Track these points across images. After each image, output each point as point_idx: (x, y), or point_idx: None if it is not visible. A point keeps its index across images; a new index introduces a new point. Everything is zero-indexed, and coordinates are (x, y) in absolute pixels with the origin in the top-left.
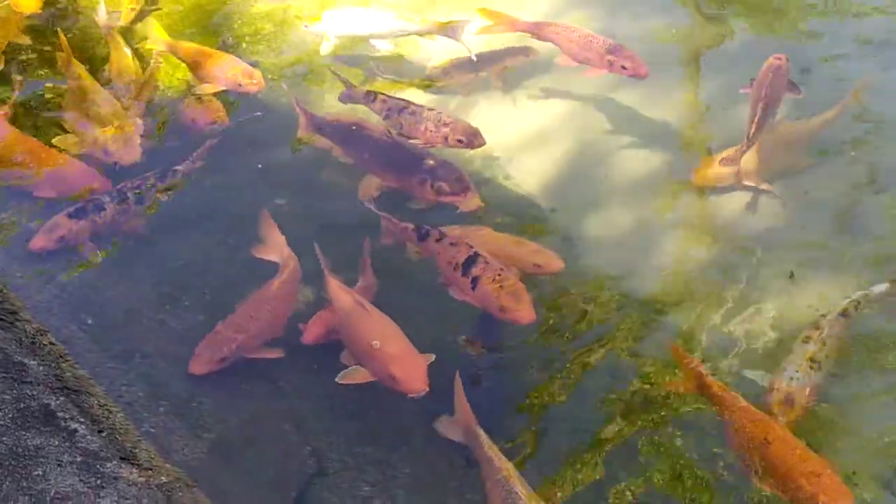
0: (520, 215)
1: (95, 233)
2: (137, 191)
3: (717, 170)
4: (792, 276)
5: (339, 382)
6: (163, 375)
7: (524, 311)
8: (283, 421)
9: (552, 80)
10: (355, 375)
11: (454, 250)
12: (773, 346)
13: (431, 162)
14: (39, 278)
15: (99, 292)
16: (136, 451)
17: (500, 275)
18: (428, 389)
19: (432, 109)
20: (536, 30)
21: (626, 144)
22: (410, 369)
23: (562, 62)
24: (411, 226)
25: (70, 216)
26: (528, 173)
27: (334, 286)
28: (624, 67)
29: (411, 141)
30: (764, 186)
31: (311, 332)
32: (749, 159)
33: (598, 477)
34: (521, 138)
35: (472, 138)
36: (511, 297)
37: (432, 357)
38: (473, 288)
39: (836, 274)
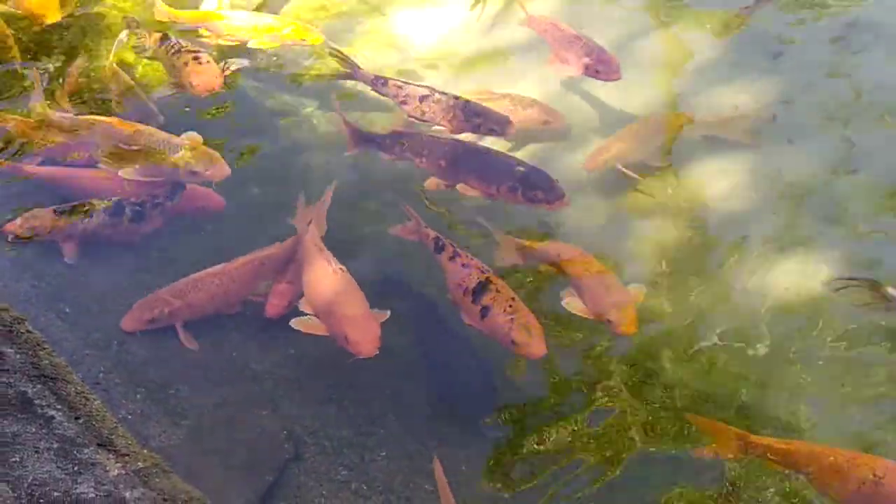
0: (494, 205)
1: (73, 236)
2: (137, 207)
3: (595, 155)
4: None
5: (293, 327)
6: (140, 363)
7: (536, 346)
8: (260, 406)
9: (530, 68)
10: (308, 324)
11: (465, 273)
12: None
13: (521, 169)
14: (16, 266)
15: (77, 280)
16: (114, 437)
17: (511, 305)
18: (377, 352)
19: (458, 98)
20: (532, 24)
21: (603, 130)
22: (363, 331)
23: (551, 62)
24: (433, 234)
25: (55, 212)
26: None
27: (305, 235)
28: (597, 72)
29: (435, 128)
30: (630, 174)
31: (273, 306)
32: (616, 146)
33: None
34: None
35: (505, 127)
36: (523, 331)
37: (386, 314)
38: (483, 317)
39: (811, 256)
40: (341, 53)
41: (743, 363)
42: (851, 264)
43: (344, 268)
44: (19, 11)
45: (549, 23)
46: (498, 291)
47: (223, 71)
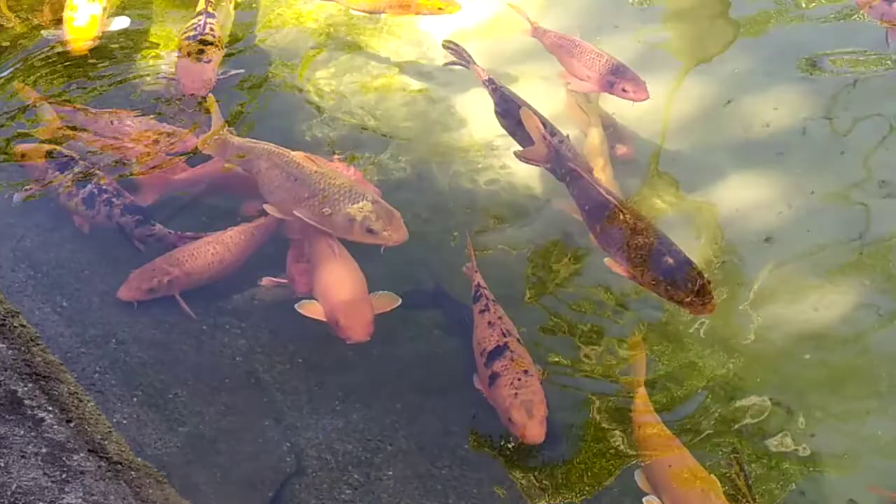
0: (515, 205)
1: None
2: (150, 234)
3: None
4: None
5: (298, 310)
6: (138, 363)
7: (532, 430)
8: (263, 415)
9: (551, 68)
10: (311, 308)
11: (489, 332)
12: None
13: (670, 260)
14: (12, 255)
15: (75, 273)
16: (106, 443)
17: (520, 378)
18: (369, 339)
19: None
20: (538, 35)
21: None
22: (355, 317)
23: (563, 77)
24: (477, 280)
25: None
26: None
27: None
28: (624, 90)
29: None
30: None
31: (301, 283)
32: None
33: None
34: None
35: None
36: (522, 411)
37: (398, 301)
38: (491, 384)
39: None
40: (456, 45)
41: None
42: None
43: (344, 248)
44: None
45: (558, 35)
46: (512, 360)
47: (214, 77)
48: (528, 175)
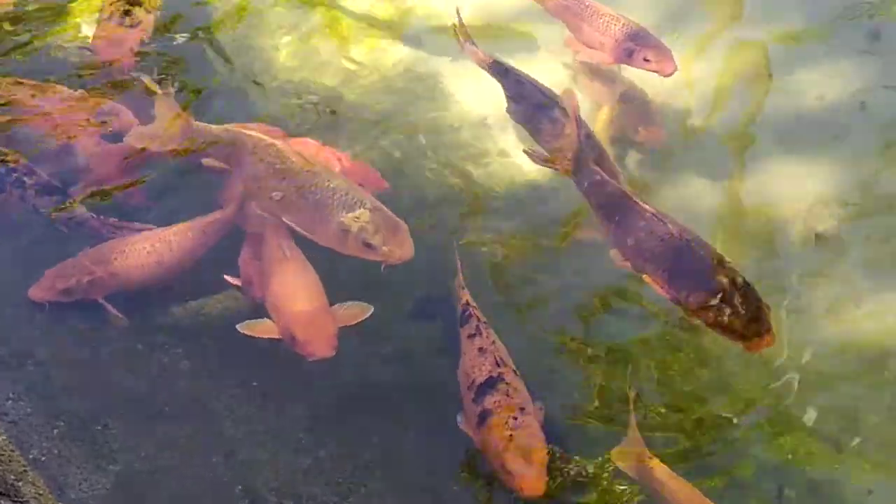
0: (514, 199)
1: None
2: (70, 217)
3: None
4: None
5: (240, 331)
6: (61, 388)
7: (531, 481)
8: (210, 451)
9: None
10: (258, 328)
11: (479, 360)
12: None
13: (725, 280)
14: None
15: None
16: (20, 484)
17: (516, 418)
18: (333, 355)
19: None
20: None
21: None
22: (314, 329)
23: (570, 44)
24: (465, 299)
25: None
26: (517, 142)
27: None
28: (647, 60)
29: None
30: None
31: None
32: None
33: None
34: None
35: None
36: (518, 458)
37: (370, 309)
38: (480, 423)
39: None
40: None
41: None
42: None
43: (297, 250)
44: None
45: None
46: (507, 395)
47: (135, 44)
48: (529, 161)
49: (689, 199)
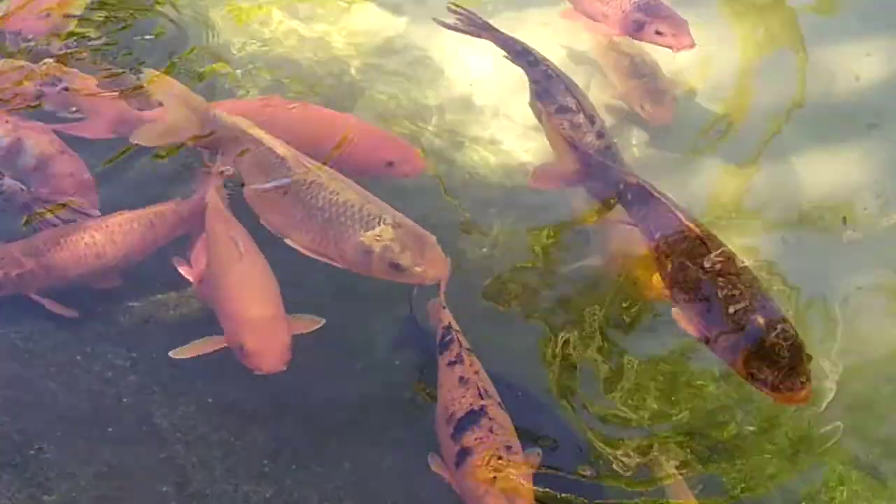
0: (507, 195)
1: None
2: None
3: None
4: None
5: (172, 357)
6: None
7: None
8: (159, 478)
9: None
10: (196, 346)
11: (459, 391)
12: None
13: (761, 321)
14: None
15: None
16: None
17: (500, 458)
18: (285, 368)
19: None
20: None
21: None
22: (265, 339)
23: (568, 16)
24: (447, 321)
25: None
26: (512, 129)
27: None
28: (659, 34)
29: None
30: None
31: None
32: None
33: None
34: (509, 87)
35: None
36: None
37: (320, 322)
38: (458, 463)
39: None
40: (465, 10)
41: None
42: None
43: (253, 245)
44: None
45: None
46: (491, 431)
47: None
48: (524, 149)
49: (704, 188)
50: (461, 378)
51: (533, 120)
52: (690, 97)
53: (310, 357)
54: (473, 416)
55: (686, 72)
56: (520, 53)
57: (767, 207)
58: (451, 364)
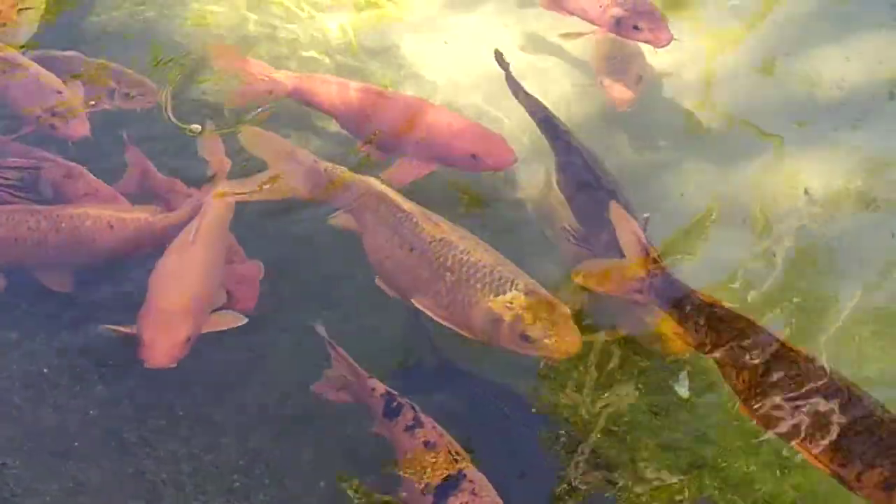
0: (492, 209)
1: None
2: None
3: None
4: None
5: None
6: None
7: None
8: (128, 494)
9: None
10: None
11: (428, 458)
12: None
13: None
14: None
15: None
16: None
17: None
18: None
19: None
20: None
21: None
22: (158, 333)
23: (545, 5)
24: (382, 389)
25: None
26: (507, 116)
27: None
28: (637, 29)
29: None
30: None
31: None
32: None
33: None
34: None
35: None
36: None
37: (240, 321)
38: None
39: None
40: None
41: None
42: None
43: (207, 238)
44: None
45: None
46: (474, 494)
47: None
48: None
49: (682, 189)
50: (426, 443)
51: (509, 104)
52: (669, 99)
53: (282, 366)
54: (451, 484)
55: (666, 73)
56: (542, 120)
57: (750, 208)
58: (410, 429)
